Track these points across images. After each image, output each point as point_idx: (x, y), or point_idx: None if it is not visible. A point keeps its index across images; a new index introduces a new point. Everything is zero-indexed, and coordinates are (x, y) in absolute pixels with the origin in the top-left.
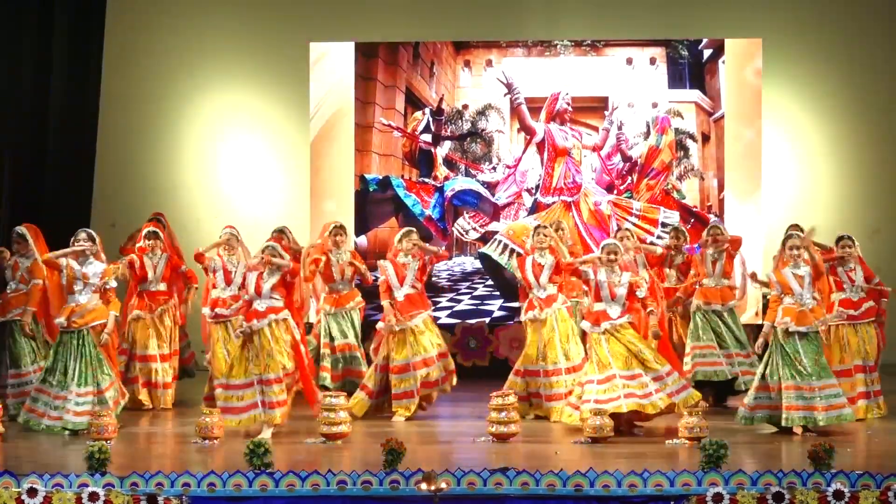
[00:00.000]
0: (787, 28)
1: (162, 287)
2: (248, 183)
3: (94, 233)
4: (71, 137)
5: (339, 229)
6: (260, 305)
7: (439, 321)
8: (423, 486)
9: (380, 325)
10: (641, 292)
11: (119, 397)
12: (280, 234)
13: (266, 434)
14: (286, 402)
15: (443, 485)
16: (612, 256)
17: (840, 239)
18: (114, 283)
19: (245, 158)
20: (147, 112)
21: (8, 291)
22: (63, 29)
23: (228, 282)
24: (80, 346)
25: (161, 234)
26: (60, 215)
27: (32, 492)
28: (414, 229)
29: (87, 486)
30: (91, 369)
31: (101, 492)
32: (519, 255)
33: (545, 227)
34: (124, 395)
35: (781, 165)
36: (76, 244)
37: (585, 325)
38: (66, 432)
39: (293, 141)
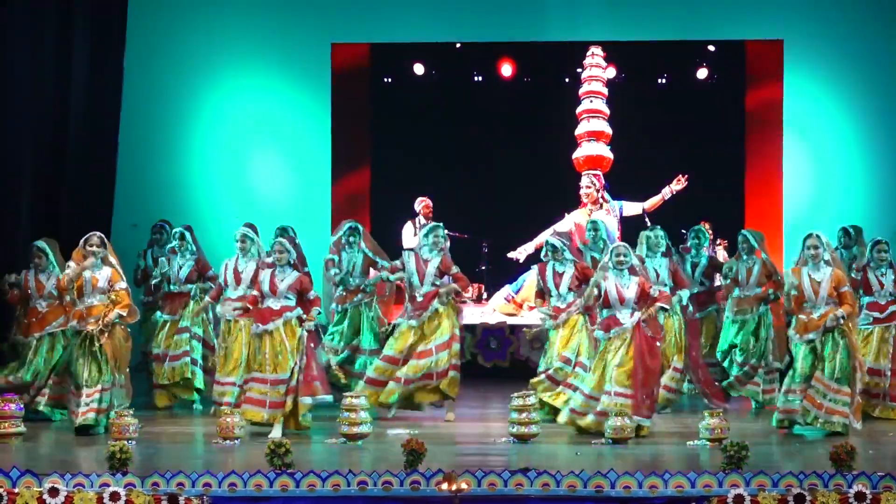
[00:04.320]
0: (808, 28)
1: (186, 288)
2: (270, 182)
3: (104, 237)
4: (92, 138)
5: (352, 230)
6: (274, 304)
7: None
8: (444, 486)
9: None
10: (655, 291)
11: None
12: (283, 231)
13: (276, 432)
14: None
15: (463, 485)
16: (621, 258)
17: (876, 243)
18: (122, 285)
19: (267, 158)
20: (168, 112)
21: (39, 309)
22: (84, 29)
23: (238, 281)
24: (90, 347)
25: (189, 237)
26: (82, 216)
27: (54, 491)
28: (441, 224)
29: (108, 485)
30: (97, 370)
31: (122, 491)
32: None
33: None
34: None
35: (803, 166)
36: (87, 247)
37: (598, 333)
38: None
39: (315, 141)
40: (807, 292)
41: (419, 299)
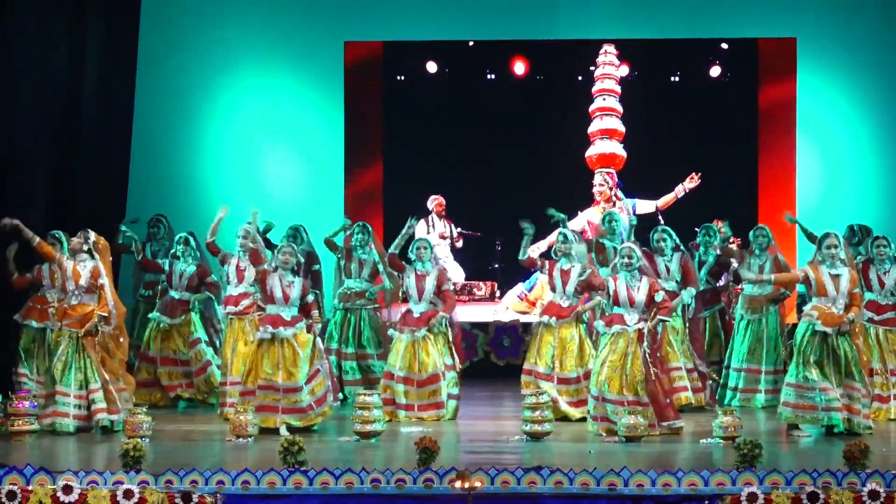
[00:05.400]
0: (821, 26)
1: (187, 295)
2: (283, 180)
3: (91, 233)
4: (105, 136)
5: (363, 228)
6: (286, 314)
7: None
8: (457, 484)
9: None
10: (659, 296)
11: (112, 404)
12: (295, 231)
13: (283, 431)
14: (319, 401)
15: (476, 483)
16: (628, 260)
17: (875, 239)
18: (102, 281)
19: (279, 156)
20: (181, 110)
21: (48, 299)
22: (97, 24)
23: (241, 279)
24: (74, 349)
25: (193, 242)
26: (95, 213)
27: (68, 489)
28: (422, 238)
29: (121, 483)
30: (82, 373)
31: (135, 489)
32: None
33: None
34: (116, 411)
35: (816, 164)
36: (71, 243)
37: (599, 324)
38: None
39: (328, 139)
40: (828, 287)
41: (416, 316)
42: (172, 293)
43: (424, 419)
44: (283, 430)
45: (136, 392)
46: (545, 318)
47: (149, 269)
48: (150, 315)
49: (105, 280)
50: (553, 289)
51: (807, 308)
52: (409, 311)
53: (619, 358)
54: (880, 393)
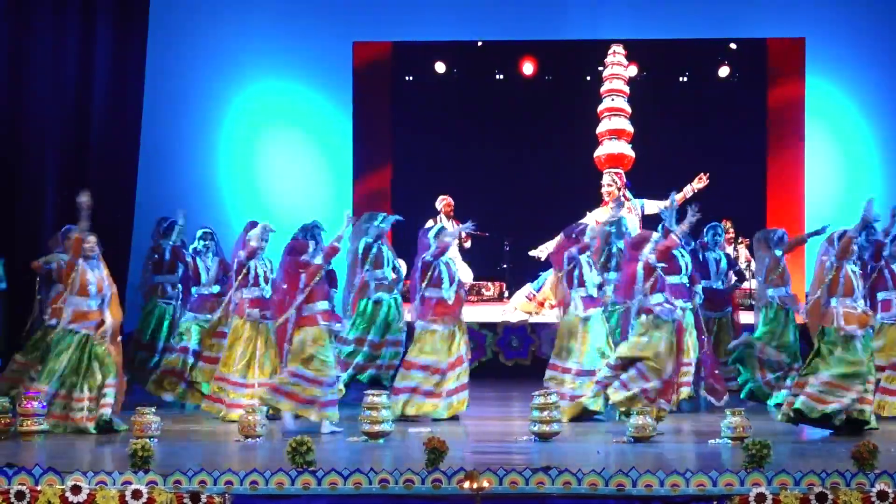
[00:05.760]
0: (830, 26)
1: (215, 289)
2: (292, 181)
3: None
4: (114, 140)
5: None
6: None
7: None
8: (466, 485)
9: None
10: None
11: (117, 403)
12: (314, 227)
13: (325, 429)
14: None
15: (485, 484)
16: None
17: (893, 237)
18: (114, 289)
19: (288, 157)
20: (190, 112)
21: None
22: (106, 25)
23: (267, 281)
24: (83, 351)
25: (215, 237)
26: (105, 215)
27: (76, 489)
28: (438, 225)
29: (130, 483)
30: (93, 374)
31: (144, 489)
32: None
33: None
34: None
35: (825, 164)
36: (86, 244)
37: (665, 307)
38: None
39: (337, 139)
40: (854, 283)
41: (450, 303)
42: (201, 290)
43: (454, 404)
44: (327, 427)
45: (161, 379)
46: (589, 312)
47: (177, 258)
48: (185, 318)
49: (114, 287)
50: (581, 283)
51: (837, 312)
52: (442, 300)
53: (674, 332)
54: (886, 386)
